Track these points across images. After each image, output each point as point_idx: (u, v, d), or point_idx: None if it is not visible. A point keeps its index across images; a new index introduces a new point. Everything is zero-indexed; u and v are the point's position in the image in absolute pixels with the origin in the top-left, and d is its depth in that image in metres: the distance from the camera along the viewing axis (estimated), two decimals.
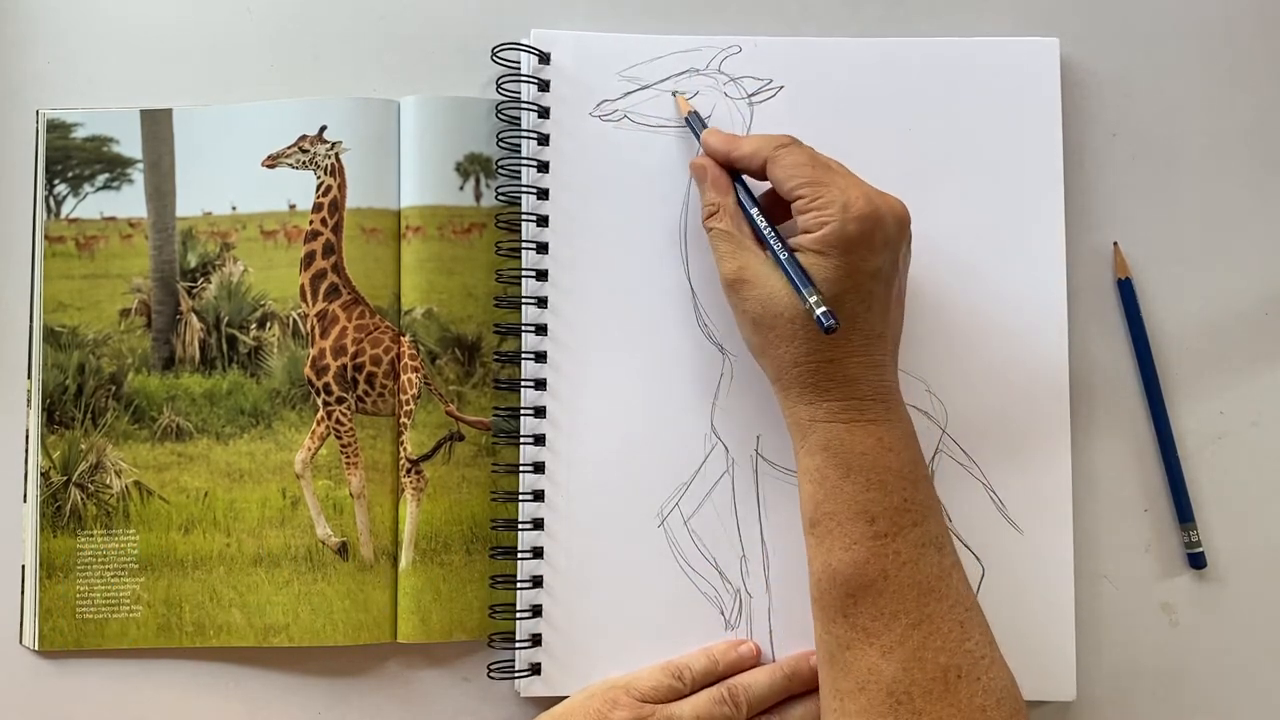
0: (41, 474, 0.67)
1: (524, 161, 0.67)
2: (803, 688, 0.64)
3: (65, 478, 0.67)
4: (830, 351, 0.57)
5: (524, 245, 0.67)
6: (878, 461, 0.57)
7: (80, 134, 0.68)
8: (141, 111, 0.69)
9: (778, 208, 0.61)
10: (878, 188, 0.59)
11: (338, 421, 0.67)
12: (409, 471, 0.67)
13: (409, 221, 0.67)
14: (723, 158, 0.62)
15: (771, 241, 0.58)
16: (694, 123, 0.65)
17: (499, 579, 0.66)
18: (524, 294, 0.67)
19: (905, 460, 0.57)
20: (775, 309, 0.57)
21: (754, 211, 0.60)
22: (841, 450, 0.57)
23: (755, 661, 0.65)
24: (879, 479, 0.56)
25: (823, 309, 0.55)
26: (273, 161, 0.68)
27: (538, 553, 0.66)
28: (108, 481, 0.67)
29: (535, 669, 0.65)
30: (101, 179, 0.68)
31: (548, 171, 0.67)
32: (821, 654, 0.58)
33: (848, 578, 0.56)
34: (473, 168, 0.68)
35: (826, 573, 0.57)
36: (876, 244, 0.57)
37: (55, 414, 0.67)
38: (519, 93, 0.68)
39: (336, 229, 0.67)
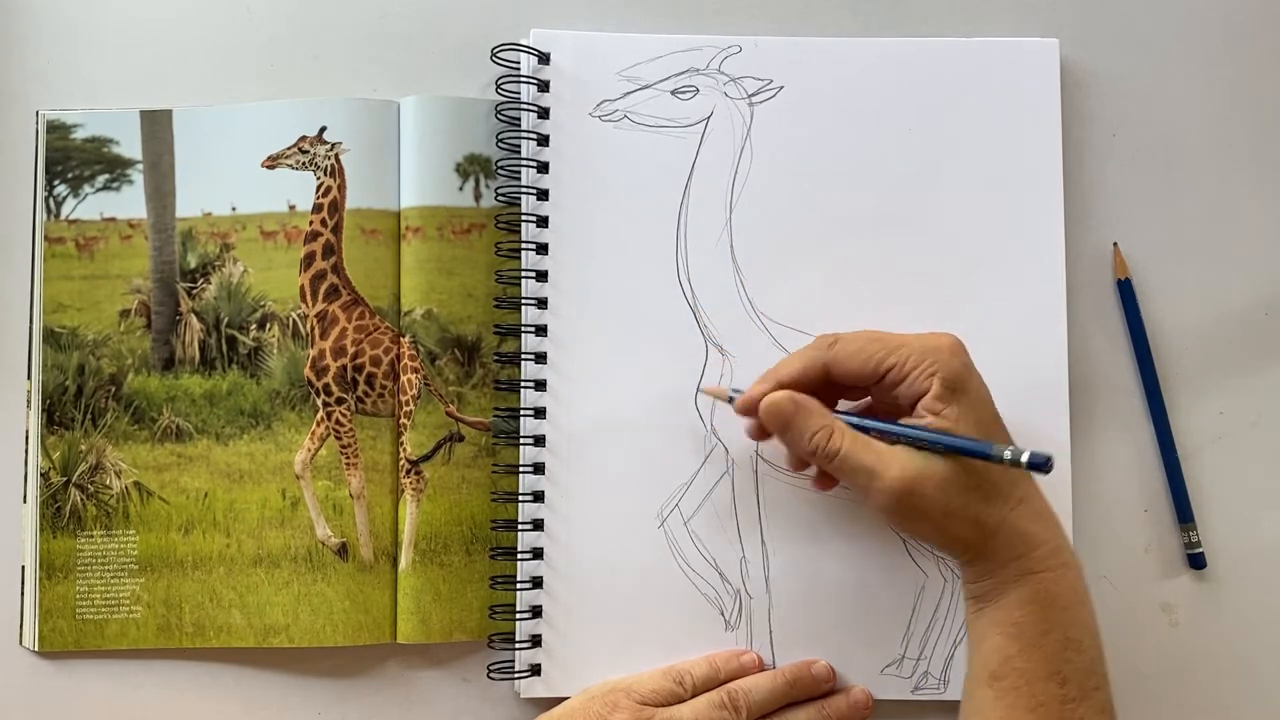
0: (41, 475, 0.67)
1: (524, 162, 0.67)
2: (803, 695, 0.64)
3: (65, 478, 0.67)
4: (1022, 488, 0.56)
5: (524, 246, 0.67)
6: (1076, 616, 0.56)
7: (80, 134, 0.68)
8: (141, 112, 0.68)
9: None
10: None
11: (337, 422, 0.67)
12: (409, 472, 0.67)
13: (409, 222, 0.67)
14: (778, 389, 0.59)
15: (914, 430, 0.56)
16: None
17: (499, 580, 0.66)
18: (524, 295, 0.67)
19: (1091, 612, 0.57)
20: (958, 486, 0.55)
21: (866, 419, 0.58)
22: (1047, 603, 0.55)
23: (757, 671, 0.64)
24: (1075, 636, 0.55)
25: (1026, 453, 0.53)
26: (272, 162, 0.68)
27: (537, 553, 0.66)
28: (107, 482, 0.67)
29: (535, 670, 0.65)
30: (101, 179, 0.68)
31: (547, 172, 0.67)
32: None
33: None
34: (472, 168, 0.68)
35: None
36: (973, 366, 0.58)
37: (55, 415, 0.67)
38: (519, 93, 0.68)
39: (336, 230, 0.67)
